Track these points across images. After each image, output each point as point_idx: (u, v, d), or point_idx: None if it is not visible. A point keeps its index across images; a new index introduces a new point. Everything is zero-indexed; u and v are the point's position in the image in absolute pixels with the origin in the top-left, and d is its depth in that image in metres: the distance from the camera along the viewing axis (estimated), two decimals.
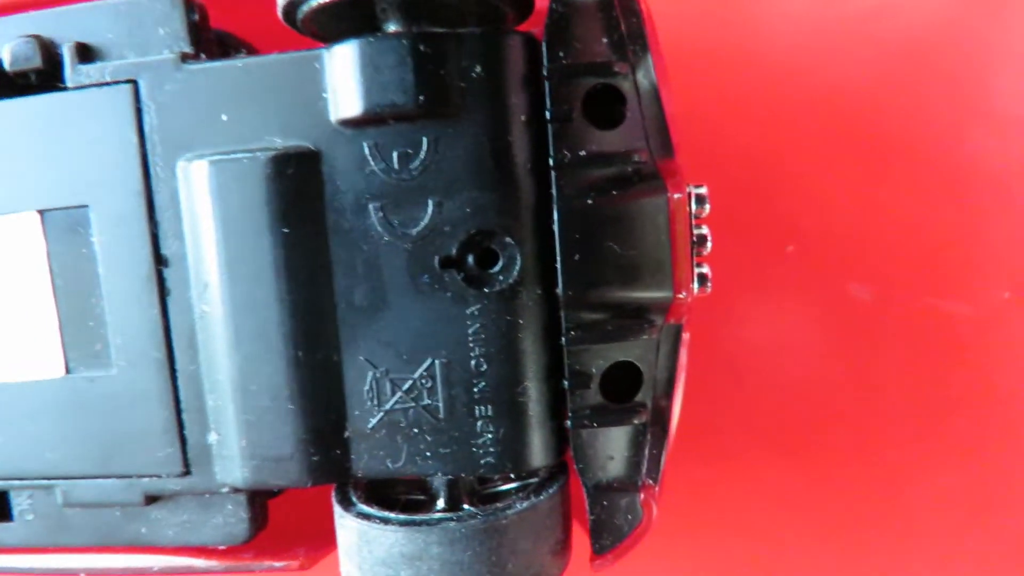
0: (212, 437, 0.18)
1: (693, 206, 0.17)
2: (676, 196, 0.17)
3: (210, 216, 0.17)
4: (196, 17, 0.17)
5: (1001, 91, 0.24)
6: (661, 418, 0.18)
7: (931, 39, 0.24)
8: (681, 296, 0.17)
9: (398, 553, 0.16)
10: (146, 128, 0.17)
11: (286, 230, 0.16)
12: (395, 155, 0.16)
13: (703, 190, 0.17)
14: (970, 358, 0.25)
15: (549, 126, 0.16)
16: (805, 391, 0.25)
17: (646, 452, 0.17)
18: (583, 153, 0.16)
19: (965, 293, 0.25)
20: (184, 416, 0.18)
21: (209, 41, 0.18)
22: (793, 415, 0.26)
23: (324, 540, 0.19)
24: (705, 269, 0.18)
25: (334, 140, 0.16)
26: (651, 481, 0.18)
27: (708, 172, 0.25)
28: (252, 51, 0.21)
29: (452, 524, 0.16)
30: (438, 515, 0.16)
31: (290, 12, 0.16)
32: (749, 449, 0.26)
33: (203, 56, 0.17)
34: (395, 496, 0.19)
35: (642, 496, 0.17)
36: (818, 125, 0.25)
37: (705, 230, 0.17)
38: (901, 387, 0.25)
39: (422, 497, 0.19)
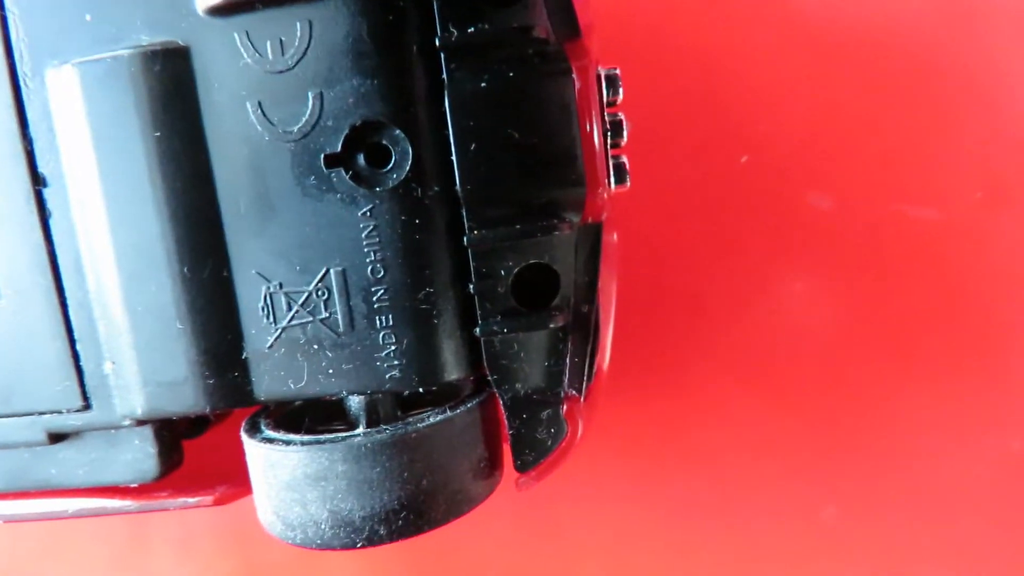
0: (107, 366, 0.17)
1: (604, 91, 0.16)
2: (582, 78, 0.15)
3: (82, 125, 0.15)
4: None
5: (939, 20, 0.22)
6: (583, 324, 0.16)
7: None
8: (598, 191, 0.16)
9: (302, 475, 0.15)
10: (11, 36, 0.16)
11: (158, 134, 0.15)
12: (268, 44, 0.15)
13: (614, 72, 0.16)
14: (941, 266, 0.23)
15: (435, 2, 0.15)
16: (766, 310, 0.24)
17: (567, 361, 0.16)
18: (473, 30, 0.15)
19: (932, 197, 0.23)
20: (78, 346, 0.17)
21: None
22: (756, 338, 0.24)
23: (244, 480, 0.19)
24: (622, 160, 0.16)
25: (203, 33, 0.15)
26: (575, 392, 0.16)
27: (657, 82, 0.24)
28: None
29: (357, 440, 0.15)
30: (342, 433, 0.16)
31: None
32: (714, 378, 0.25)
33: None
34: (313, 427, 0.18)
35: (565, 408, 0.16)
36: (768, 28, 0.23)
37: (620, 117, 0.16)
38: (868, 300, 0.24)
39: (342, 426, 0.18)
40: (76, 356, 0.17)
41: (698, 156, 0.24)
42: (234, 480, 0.19)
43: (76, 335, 0.17)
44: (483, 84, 0.15)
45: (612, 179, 0.16)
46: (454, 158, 0.15)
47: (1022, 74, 0.22)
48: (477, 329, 0.15)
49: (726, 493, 0.25)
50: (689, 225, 0.24)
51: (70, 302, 0.17)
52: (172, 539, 0.27)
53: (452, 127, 0.15)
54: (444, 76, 0.15)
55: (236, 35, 0.15)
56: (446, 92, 0.15)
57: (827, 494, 0.25)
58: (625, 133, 0.16)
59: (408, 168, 0.15)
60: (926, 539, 0.25)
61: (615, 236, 0.18)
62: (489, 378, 0.16)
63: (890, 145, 0.23)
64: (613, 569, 0.25)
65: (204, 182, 0.15)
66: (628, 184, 0.16)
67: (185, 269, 0.15)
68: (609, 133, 0.16)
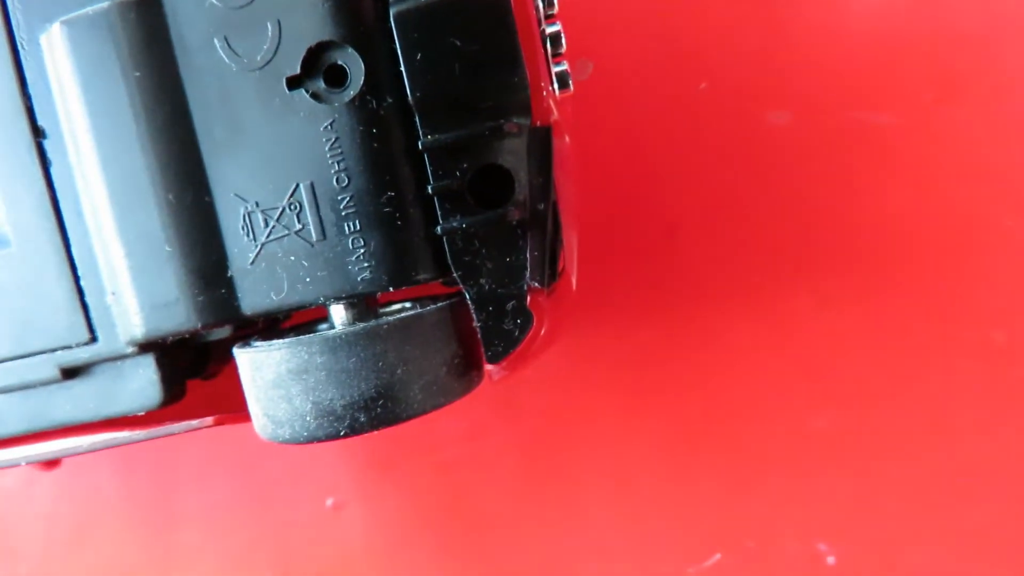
0: (109, 298, 0.18)
1: (540, 4, 0.17)
2: None
3: (72, 77, 0.17)
4: None
5: None
6: (540, 221, 0.17)
7: None
8: (543, 95, 0.17)
9: (285, 371, 0.16)
10: (8, 5, 0.18)
11: (137, 74, 0.17)
12: None
13: None
14: (902, 169, 0.24)
15: None
16: (737, 231, 0.25)
17: (528, 255, 0.17)
18: None
19: (888, 102, 0.24)
20: (82, 283, 0.18)
21: None
22: (729, 259, 0.25)
23: (243, 407, 0.20)
24: (563, 67, 0.17)
25: None
26: (537, 284, 0.17)
27: (615, 24, 0.25)
28: None
29: (332, 333, 0.16)
30: (320, 330, 0.17)
31: None
32: (693, 300, 0.26)
33: None
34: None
35: (529, 299, 0.17)
36: None
37: (557, 27, 0.17)
38: (835, 210, 0.24)
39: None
40: (81, 292, 0.18)
41: (658, 88, 0.25)
42: (232, 406, 0.20)
43: (79, 272, 0.18)
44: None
45: (556, 85, 0.17)
46: (403, 70, 0.16)
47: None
48: (439, 228, 0.17)
49: (718, 412, 0.26)
50: (656, 155, 0.25)
51: (72, 242, 0.18)
52: (199, 521, 0.29)
53: (398, 40, 0.16)
54: None
55: None
56: (390, 8, 0.16)
57: (818, 405, 0.25)
58: (563, 42, 0.17)
59: (362, 83, 0.16)
60: (919, 443, 0.25)
61: (567, 139, 0.19)
62: (454, 275, 0.17)
63: (840, 56, 0.24)
64: (615, 498, 0.26)
65: (182, 115, 0.17)
66: (571, 89, 0.17)
67: (170, 196, 0.17)
68: (549, 41, 0.17)
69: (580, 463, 0.27)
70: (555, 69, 0.18)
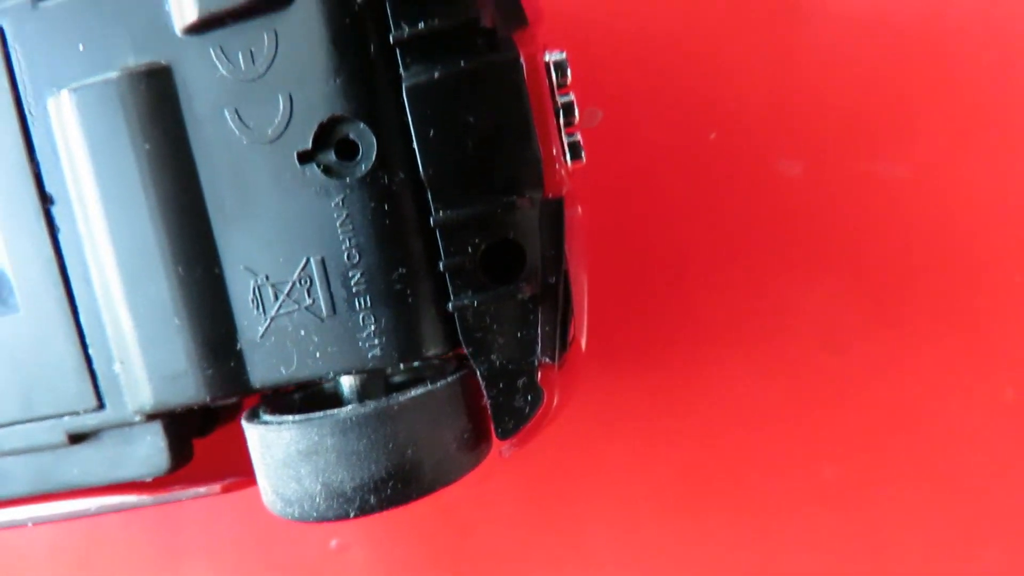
0: (117, 366, 0.18)
1: (553, 74, 0.17)
2: (531, 64, 0.16)
3: (80, 145, 0.17)
4: None
5: None
6: (552, 295, 0.17)
7: None
8: (555, 168, 0.17)
9: (295, 451, 0.16)
10: (15, 70, 0.18)
11: (147, 147, 0.16)
12: (240, 55, 0.16)
13: (561, 56, 0.17)
14: (914, 221, 0.23)
15: (387, 2, 0.16)
16: (747, 280, 0.25)
17: (539, 330, 0.17)
18: (423, 26, 0.16)
19: (901, 154, 0.23)
20: (90, 350, 0.18)
21: None
22: (738, 307, 0.25)
23: (250, 471, 0.20)
24: (576, 138, 0.17)
25: (182, 51, 0.16)
26: (549, 360, 0.17)
27: (624, 72, 0.25)
28: None
29: (343, 414, 0.16)
30: (330, 410, 0.17)
31: None
32: (702, 349, 0.25)
33: None
34: (305, 409, 0.19)
35: (540, 375, 0.17)
36: (727, 8, 0.24)
37: (570, 98, 0.17)
38: (846, 260, 0.24)
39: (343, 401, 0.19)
40: (89, 359, 0.18)
41: (668, 136, 0.24)
42: (241, 472, 0.20)
43: (88, 339, 0.18)
44: (436, 75, 0.16)
45: (568, 156, 0.17)
46: (415, 145, 0.16)
47: (974, 27, 0.23)
48: (450, 304, 0.17)
49: (726, 460, 0.26)
50: (665, 203, 0.25)
51: (81, 309, 0.18)
52: (204, 560, 0.28)
53: (411, 115, 0.16)
54: (401, 70, 0.16)
55: (211, 50, 0.16)
56: (403, 85, 0.16)
57: (826, 455, 0.25)
58: (576, 112, 0.17)
59: (374, 158, 0.16)
60: (927, 495, 0.25)
61: (579, 210, 0.19)
62: (465, 351, 0.17)
63: (852, 107, 0.23)
64: (620, 542, 0.26)
65: (192, 187, 0.17)
66: (583, 159, 0.17)
67: (180, 268, 0.17)
68: (561, 112, 0.17)
69: (586, 508, 0.27)
70: (567, 140, 0.17)
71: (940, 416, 0.25)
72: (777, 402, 0.26)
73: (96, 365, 0.18)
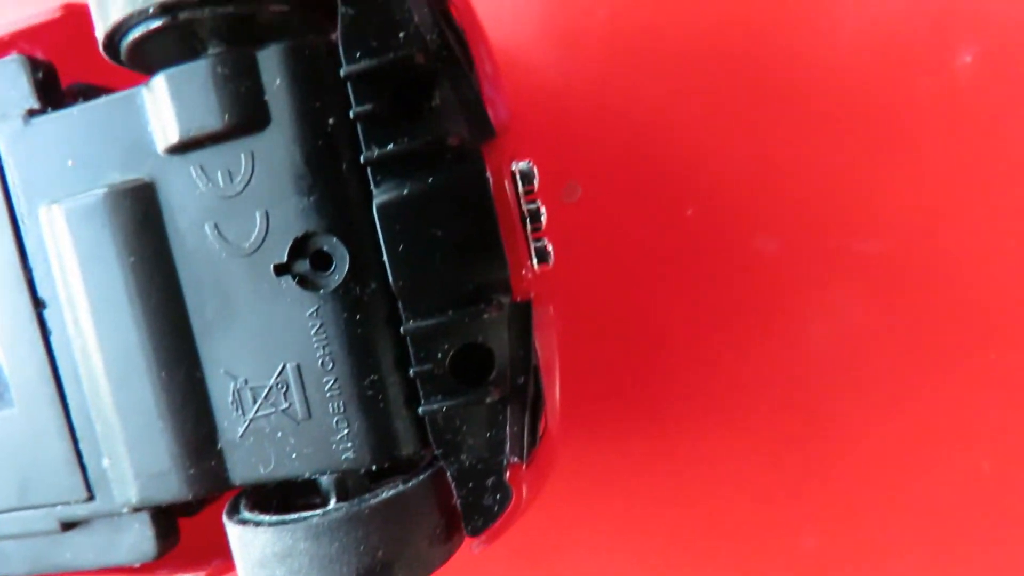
0: (106, 462, 0.19)
1: (519, 182, 0.17)
2: (496, 174, 0.17)
3: (70, 255, 0.18)
4: (40, 75, 0.18)
5: (881, 25, 0.23)
6: (520, 395, 0.18)
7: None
8: (522, 273, 0.18)
9: (271, 553, 0.17)
10: (8, 182, 0.18)
11: (133, 259, 0.17)
12: (219, 174, 0.17)
13: (525, 165, 0.17)
14: (890, 298, 0.24)
15: (358, 125, 0.17)
16: (726, 352, 0.25)
17: (508, 431, 0.18)
18: (392, 147, 0.16)
19: (877, 231, 0.24)
20: (81, 445, 0.19)
21: (65, 94, 0.19)
22: (719, 379, 0.25)
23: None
24: (543, 243, 0.18)
25: (165, 168, 0.17)
26: (517, 459, 0.18)
27: (599, 143, 0.25)
28: None
29: (316, 519, 0.17)
30: (304, 513, 0.17)
31: (110, 49, 0.17)
32: (683, 416, 0.26)
33: (50, 109, 0.18)
34: (291, 502, 0.20)
35: (509, 474, 0.18)
36: (699, 78, 0.24)
37: (536, 205, 0.18)
38: (823, 333, 0.24)
39: (317, 500, 0.19)
40: (79, 454, 0.19)
41: (646, 211, 0.25)
42: (225, 554, 0.21)
43: (78, 435, 0.19)
44: (405, 191, 0.16)
45: (535, 260, 0.18)
46: (385, 259, 0.17)
47: (944, 108, 0.23)
48: (420, 408, 0.17)
49: (708, 528, 0.26)
50: (643, 277, 0.25)
51: (71, 407, 0.19)
52: None
53: (381, 231, 0.17)
54: (372, 186, 0.17)
55: (192, 169, 0.17)
56: (374, 201, 0.17)
57: (808, 525, 0.25)
58: (542, 219, 0.18)
59: (346, 270, 0.17)
60: (907, 565, 0.25)
61: (551, 309, 0.19)
62: (436, 452, 0.17)
63: (827, 183, 0.24)
64: None
65: (175, 296, 0.17)
66: (550, 263, 0.18)
67: (163, 373, 0.18)
68: (528, 219, 0.18)
69: (570, 571, 0.28)
70: (534, 245, 0.18)
71: (918, 488, 0.25)
72: (758, 473, 0.26)
73: (86, 459, 0.19)
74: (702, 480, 0.26)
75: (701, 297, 0.25)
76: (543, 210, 0.18)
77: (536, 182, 0.18)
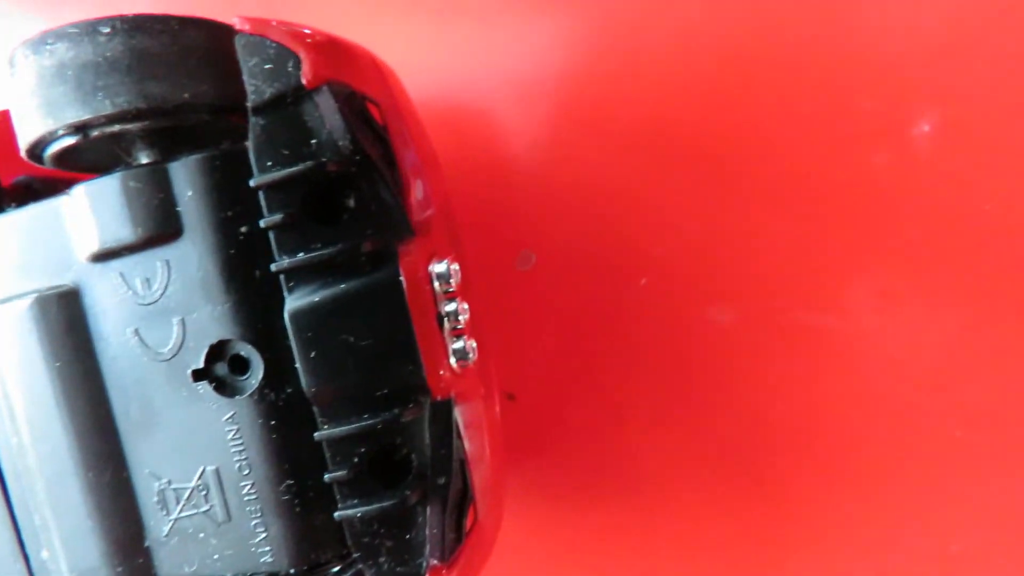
0: (44, 554, 0.19)
1: (436, 283, 0.17)
2: (414, 275, 0.17)
3: (4, 358, 0.18)
4: None
5: (850, 90, 0.22)
6: (440, 496, 0.18)
7: (760, 50, 0.23)
8: (440, 374, 0.17)
9: None
10: None
11: (59, 363, 0.18)
12: (137, 282, 0.17)
13: (442, 267, 0.17)
14: (847, 372, 0.23)
15: (270, 233, 0.17)
16: (681, 424, 0.24)
17: (427, 532, 0.17)
18: (303, 255, 0.16)
19: (830, 303, 0.23)
20: (23, 536, 0.19)
21: (8, 193, 0.20)
22: (677, 450, 0.25)
23: None
24: (460, 343, 0.17)
25: (88, 275, 0.17)
26: (436, 560, 0.17)
27: (553, 213, 0.25)
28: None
29: None
30: None
31: (33, 158, 0.18)
32: (637, 489, 0.25)
33: None
34: None
35: (429, 575, 0.17)
36: (653, 150, 0.24)
37: (454, 305, 0.17)
38: (783, 406, 0.23)
39: None
40: (22, 544, 0.19)
41: (599, 281, 0.25)
42: None
43: (20, 527, 0.19)
44: (317, 298, 0.16)
45: (453, 361, 0.18)
46: (298, 365, 0.17)
47: (902, 176, 0.22)
48: (336, 513, 0.17)
49: None
50: (598, 346, 0.25)
51: (14, 502, 0.19)
52: None
53: (293, 339, 0.17)
54: (285, 293, 0.17)
55: (112, 276, 0.17)
56: (285, 309, 0.17)
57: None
58: (461, 319, 0.17)
59: (261, 377, 0.17)
60: None
61: (473, 404, 0.19)
62: (354, 555, 0.17)
63: (782, 256, 0.23)
64: None
65: (100, 399, 0.18)
66: (470, 361, 0.18)
67: (90, 474, 0.18)
68: (446, 318, 0.18)
69: None
70: (454, 345, 0.18)
71: (887, 570, 0.24)
72: (716, 545, 0.25)
73: (28, 550, 0.19)
74: (658, 549, 0.25)
75: (656, 367, 0.25)
76: (464, 308, 0.18)
77: (456, 280, 0.18)
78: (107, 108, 0.16)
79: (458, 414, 0.18)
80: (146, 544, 0.18)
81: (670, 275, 0.24)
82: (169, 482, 0.18)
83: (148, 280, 0.17)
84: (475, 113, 0.26)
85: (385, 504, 0.17)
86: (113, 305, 0.17)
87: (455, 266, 0.18)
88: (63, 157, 0.17)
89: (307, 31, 0.17)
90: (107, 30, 0.16)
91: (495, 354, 0.24)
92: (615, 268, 0.25)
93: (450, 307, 0.18)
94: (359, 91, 0.18)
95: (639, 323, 0.24)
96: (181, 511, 0.18)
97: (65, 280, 0.18)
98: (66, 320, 0.18)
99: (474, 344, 0.18)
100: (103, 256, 0.17)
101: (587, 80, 0.24)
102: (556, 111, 0.25)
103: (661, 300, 0.24)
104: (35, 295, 0.18)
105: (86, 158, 0.18)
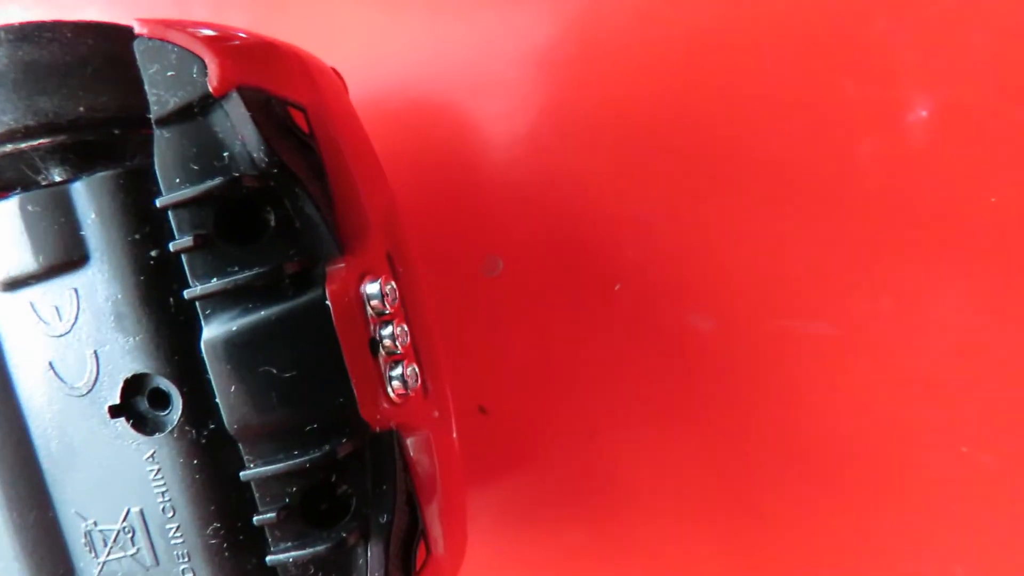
0: None
1: (367, 305, 0.16)
2: (345, 296, 0.15)
3: None
4: None
5: (821, 98, 0.20)
6: (381, 535, 0.16)
7: (744, 51, 0.21)
8: (378, 404, 0.16)
9: None
10: None
11: None
12: (48, 311, 0.16)
13: (375, 287, 0.16)
14: (837, 379, 0.21)
15: (182, 256, 0.15)
16: (659, 435, 0.23)
17: (367, 573, 0.16)
18: (218, 280, 0.15)
19: (820, 309, 0.21)
20: None
21: None
22: (652, 463, 0.23)
23: None
24: (399, 370, 0.16)
25: (1, 305, 0.16)
26: None
27: (519, 216, 0.23)
28: None
29: None
30: None
31: None
32: (614, 504, 0.24)
33: None
34: None
35: None
36: (626, 151, 0.22)
37: (390, 328, 0.16)
38: (757, 418, 0.22)
39: None
40: None
41: (569, 287, 0.23)
42: None
43: None
44: (235, 327, 0.15)
45: (390, 389, 0.16)
46: (217, 400, 0.15)
47: (894, 168, 0.20)
48: (268, 558, 0.16)
49: None
50: (569, 356, 0.23)
51: None
52: None
53: (211, 372, 0.15)
54: (200, 322, 0.15)
55: (23, 305, 0.16)
56: (200, 339, 0.15)
57: None
58: (400, 342, 0.16)
59: (180, 412, 0.16)
60: None
61: (434, 429, 0.17)
62: None
63: (766, 258, 0.21)
64: None
65: (21, 436, 0.17)
66: (410, 392, 0.16)
67: (14, 514, 0.17)
68: (382, 344, 0.16)
69: None
70: (392, 372, 0.16)
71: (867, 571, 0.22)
72: (697, 562, 0.24)
73: None
74: (637, 571, 0.24)
75: (633, 376, 0.23)
76: (402, 331, 0.16)
77: (391, 301, 0.16)
78: None
79: (405, 444, 0.17)
80: None
81: (646, 279, 0.22)
82: (95, 523, 0.17)
83: (58, 309, 0.16)
84: (435, 109, 0.24)
85: (319, 548, 0.16)
86: (27, 336, 0.16)
87: (390, 285, 0.16)
88: None
89: (213, 32, 0.15)
90: None
91: (461, 368, 0.23)
92: (587, 273, 0.23)
93: (386, 331, 0.16)
94: (279, 95, 0.16)
95: (613, 331, 0.23)
96: (109, 554, 0.17)
97: None
98: None
99: (415, 369, 0.17)
100: (11, 285, 0.16)
101: (554, 73, 0.22)
102: (520, 105, 0.23)
103: (637, 306, 0.22)
104: None
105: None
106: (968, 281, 0.19)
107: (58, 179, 0.17)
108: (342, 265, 0.16)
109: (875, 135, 0.19)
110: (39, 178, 0.17)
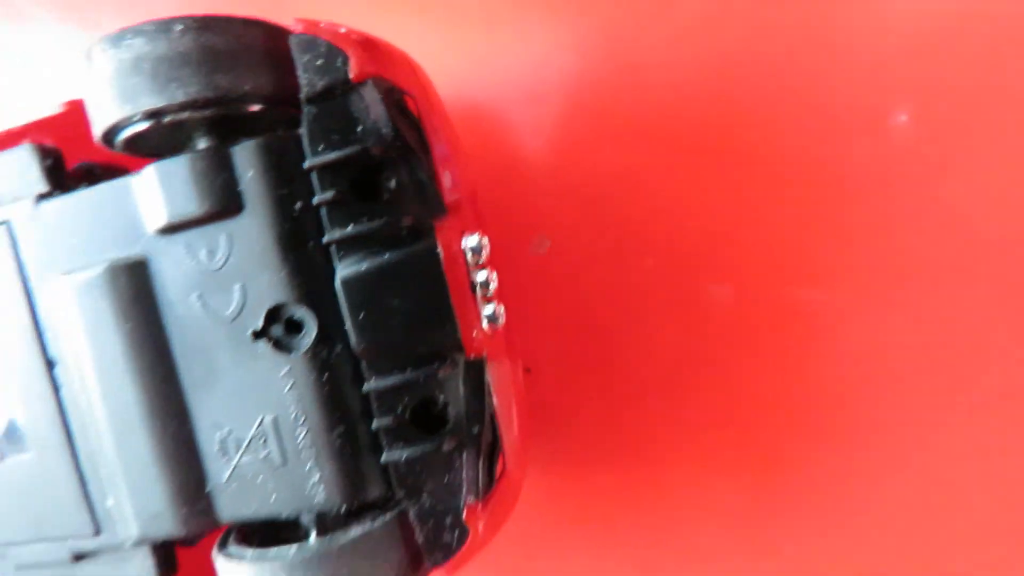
0: (110, 501, 0.21)
1: (469, 256, 0.19)
2: (449, 247, 0.19)
3: (76, 321, 0.20)
4: (49, 162, 0.21)
5: (835, 83, 0.25)
6: (475, 444, 0.20)
7: (762, 37, 0.25)
8: (473, 335, 0.20)
9: None
10: (22, 257, 0.21)
11: (129, 326, 0.20)
12: (202, 252, 0.19)
13: (474, 240, 0.19)
14: (831, 346, 0.25)
15: (322, 209, 0.19)
16: (683, 390, 0.27)
17: (464, 475, 0.19)
18: (351, 229, 0.19)
19: (821, 281, 0.25)
20: (89, 486, 0.21)
21: (71, 176, 0.22)
22: (678, 414, 0.27)
23: None
24: (491, 308, 0.20)
25: (155, 246, 0.19)
26: (473, 499, 0.20)
27: (567, 201, 0.27)
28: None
29: (292, 555, 0.19)
30: (283, 548, 0.19)
31: (107, 142, 0.20)
32: (648, 462, 0.27)
33: (57, 192, 0.21)
34: (277, 535, 0.22)
35: (465, 513, 0.19)
36: (657, 141, 0.26)
37: (484, 274, 0.19)
38: (769, 384, 0.26)
39: (300, 534, 0.21)
40: (87, 494, 0.21)
41: (608, 263, 0.27)
42: None
43: (86, 478, 0.21)
44: (364, 267, 0.19)
45: (485, 324, 0.20)
46: (347, 326, 0.19)
47: (895, 156, 0.25)
48: (383, 457, 0.19)
49: (674, 557, 0.28)
50: (607, 325, 0.27)
51: (79, 453, 0.21)
52: None
53: (343, 302, 0.19)
54: (335, 263, 0.19)
55: (178, 247, 0.19)
56: (336, 276, 0.19)
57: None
58: (491, 287, 0.20)
59: (315, 335, 0.19)
60: None
61: (502, 364, 0.21)
62: (398, 495, 0.19)
63: (776, 232, 0.25)
64: None
65: (166, 358, 0.20)
66: (499, 325, 0.20)
67: (157, 426, 0.20)
68: (478, 286, 0.20)
69: None
70: (485, 310, 0.20)
71: (880, 553, 0.26)
72: (719, 505, 0.27)
73: (93, 499, 0.21)
74: (665, 512, 0.28)
75: (663, 341, 0.27)
76: (493, 277, 0.20)
77: (485, 253, 0.20)
78: (180, 96, 0.18)
79: (489, 373, 0.20)
80: (207, 489, 0.20)
81: (674, 256, 0.26)
82: (230, 431, 0.20)
83: (211, 251, 0.19)
84: (491, 112, 0.28)
85: (426, 449, 0.19)
86: (179, 273, 0.19)
87: (484, 239, 0.20)
88: (133, 142, 0.19)
89: (351, 32, 0.19)
90: (179, 28, 0.18)
91: (513, 329, 0.26)
92: (623, 250, 0.27)
93: (481, 276, 0.20)
94: (397, 86, 0.20)
95: (646, 300, 0.27)
96: (241, 457, 0.20)
97: (134, 251, 0.20)
98: (134, 287, 0.20)
99: (502, 309, 0.20)
100: (170, 229, 0.19)
101: (593, 79, 0.26)
102: (565, 108, 0.27)
103: (666, 279, 0.26)
104: (106, 264, 0.20)
105: (152, 143, 0.20)
106: (951, 270, 0.23)
107: (203, 146, 0.20)
108: (446, 222, 0.20)
109: (864, 134, 0.24)
110: (188, 145, 0.20)
